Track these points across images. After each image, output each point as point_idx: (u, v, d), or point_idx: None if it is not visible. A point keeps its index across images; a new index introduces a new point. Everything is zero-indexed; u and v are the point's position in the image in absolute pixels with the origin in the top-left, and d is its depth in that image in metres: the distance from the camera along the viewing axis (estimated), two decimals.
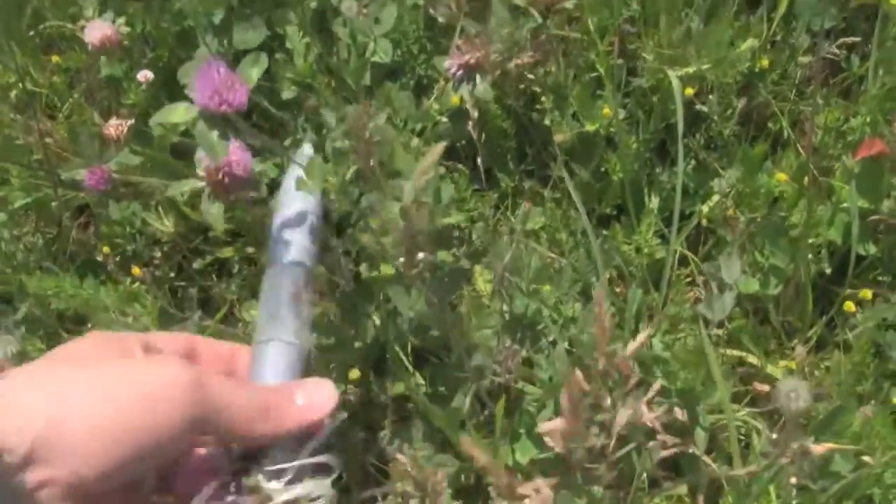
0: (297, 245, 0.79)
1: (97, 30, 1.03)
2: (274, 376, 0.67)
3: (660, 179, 1.15)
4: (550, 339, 0.94)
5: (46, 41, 1.50)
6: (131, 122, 1.00)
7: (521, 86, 1.15)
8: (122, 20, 1.38)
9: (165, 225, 1.27)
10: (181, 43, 1.32)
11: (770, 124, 1.20)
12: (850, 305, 1.00)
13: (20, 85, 1.39)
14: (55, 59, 1.40)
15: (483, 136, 1.14)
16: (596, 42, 1.09)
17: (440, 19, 0.97)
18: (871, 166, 1.05)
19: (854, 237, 1.04)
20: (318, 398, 0.62)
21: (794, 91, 1.19)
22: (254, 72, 0.97)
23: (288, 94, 1.20)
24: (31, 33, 1.46)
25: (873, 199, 1.06)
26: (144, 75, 1.10)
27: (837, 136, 1.16)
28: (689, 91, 1.05)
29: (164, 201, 1.27)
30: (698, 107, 1.09)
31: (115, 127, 0.98)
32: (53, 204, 1.32)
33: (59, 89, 1.43)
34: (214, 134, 0.75)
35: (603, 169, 1.15)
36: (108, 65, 1.22)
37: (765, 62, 1.14)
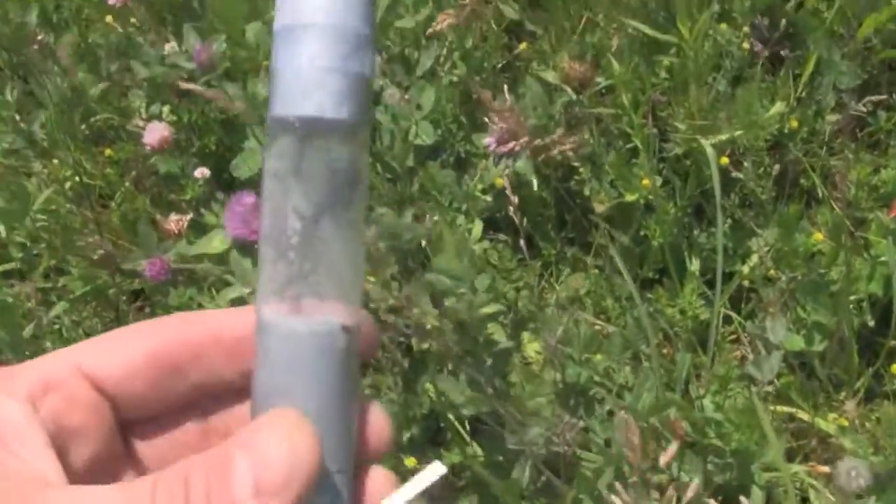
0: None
1: (156, 132, 1.08)
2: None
3: (699, 241, 1.18)
4: (605, 407, 0.97)
5: (96, 133, 1.56)
6: (189, 216, 1.05)
7: (559, 157, 1.19)
8: (167, 109, 1.44)
9: (220, 307, 1.31)
10: (227, 131, 1.38)
11: (802, 181, 1.23)
12: (895, 369, 1.02)
13: (76, 178, 1.45)
14: (108, 152, 1.46)
15: (523, 206, 1.18)
16: (630, 115, 1.13)
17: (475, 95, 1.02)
18: None
19: (895, 290, 1.07)
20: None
21: (823, 148, 1.22)
22: None
23: None
24: (83, 126, 1.53)
25: None
26: (202, 172, 1.15)
27: (870, 190, 1.20)
28: (724, 160, 1.08)
29: (216, 282, 1.31)
30: (734, 174, 1.13)
31: (175, 222, 1.03)
32: (111, 291, 1.37)
33: (112, 180, 1.49)
34: (247, 262, 0.80)
35: (643, 234, 1.19)
36: (165, 162, 1.27)
37: (794, 123, 1.18)
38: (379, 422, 0.38)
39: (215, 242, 0.84)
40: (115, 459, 0.38)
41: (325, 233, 0.34)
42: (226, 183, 1.30)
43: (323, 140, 0.34)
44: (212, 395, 0.39)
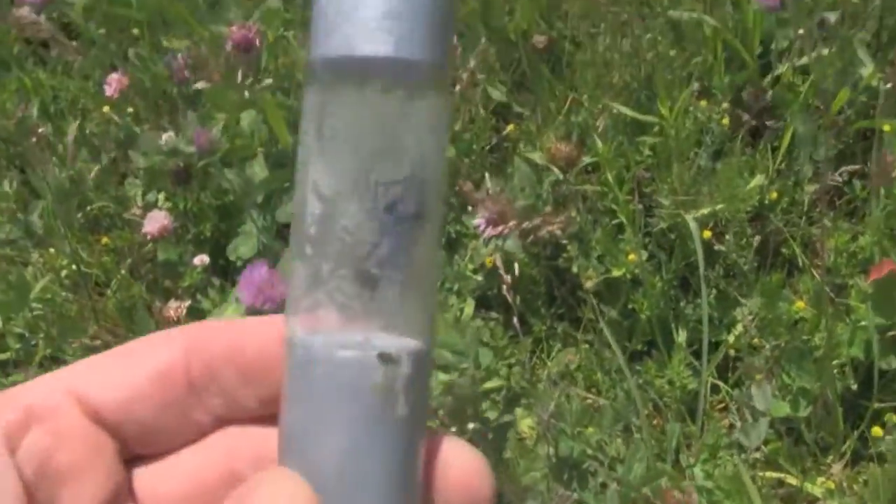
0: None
1: (156, 221, 1.11)
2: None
3: (685, 313, 1.21)
4: (598, 479, 0.99)
5: (92, 222, 1.59)
6: (188, 302, 1.08)
7: (547, 235, 1.22)
8: (162, 196, 1.47)
9: None
10: (223, 217, 1.41)
11: (784, 250, 1.27)
12: (877, 431, 1.05)
13: (73, 266, 1.47)
14: (105, 240, 1.49)
15: (514, 284, 1.21)
16: (615, 192, 1.16)
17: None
18: (884, 286, 1.11)
19: (875, 354, 1.10)
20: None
21: (803, 218, 1.26)
22: None
23: None
24: (79, 214, 1.56)
25: (889, 315, 1.12)
26: (201, 259, 1.18)
27: (848, 257, 1.23)
28: (707, 234, 1.12)
29: None
30: (717, 246, 1.16)
31: (175, 309, 1.06)
32: None
33: (108, 268, 1.52)
34: None
35: (631, 307, 1.22)
36: (164, 250, 1.30)
37: (774, 194, 1.21)
38: (465, 471, 0.28)
39: (229, 311, 0.87)
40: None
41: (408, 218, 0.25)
42: (221, 269, 1.33)
43: (402, 93, 0.25)
44: (233, 425, 0.31)
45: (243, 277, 0.90)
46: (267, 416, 0.30)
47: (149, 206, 1.34)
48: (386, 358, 0.25)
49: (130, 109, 1.58)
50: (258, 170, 1.23)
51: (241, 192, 1.22)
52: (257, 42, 1.14)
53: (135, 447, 0.30)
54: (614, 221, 1.20)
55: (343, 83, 0.25)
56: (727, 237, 1.15)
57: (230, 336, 0.30)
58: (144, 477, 0.31)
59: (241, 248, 1.24)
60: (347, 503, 0.25)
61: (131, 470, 0.31)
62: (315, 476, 0.26)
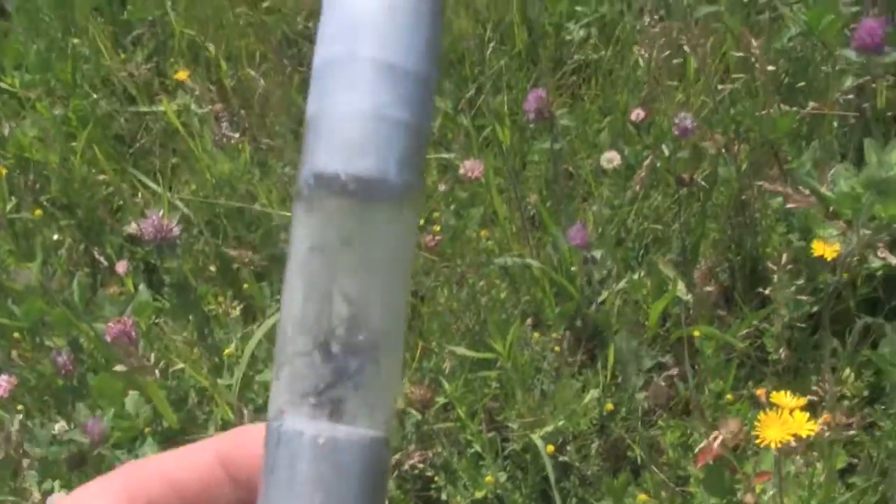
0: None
1: None
2: None
3: None
4: None
5: None
6: None
7: (414, 470, 1.36)
8: (58, 483, 1.56)
9: None
10: None
11: (630, 452, 1.42)
12: None
13: None
14: None
15: None
16: (468, 425, 1.32)
17: None
18: (711, 469, 1.27)
19: None
20: None
21: (639, 422, 1.42)
22: None
23: None
24: None
25: (721, 494, 1.27)
26: None
27: (685, 450, 1.39)
28: (550, 448, 1.27)
29: None
30: (561, 458, 1.31)
31: None
32: None
33: None
34: None
35: None
36: None
37: (609, 406, 1.38)
38: None
39: None
40: None
41: (374, 323, 0.27)
42: None
43: (382, 208, 0.26)
44: None
45: None
46: None
47: (46, 493, 1.42)
48: (388, 443, 0.27)
49: (20, 407, 1.68)
50: (148, 450, 1.35)
51: None
52: (133, 333, 1.28)
53: None
54: (471, 451, 1.35)
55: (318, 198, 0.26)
56: (568, 448, 1.30)
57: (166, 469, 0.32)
58: None
59: None
60: None
61: None
62: None
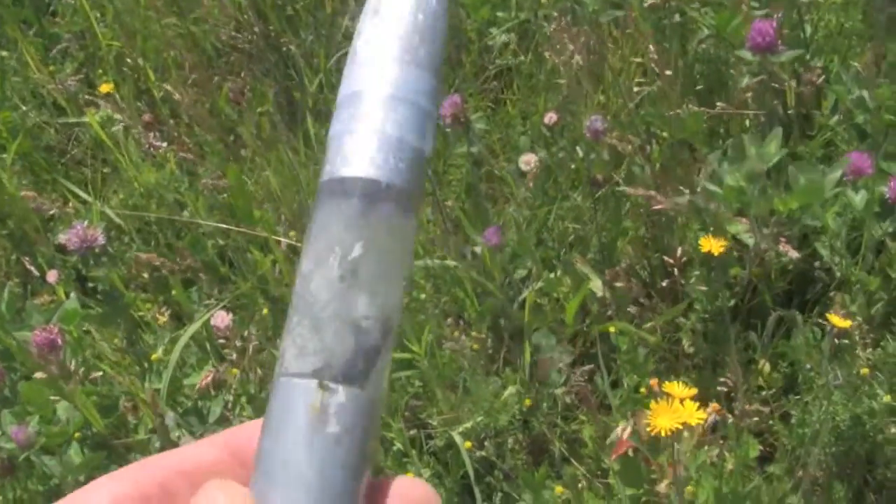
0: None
1: None
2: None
3: None
4: None
5: None
6: None
7: None
8: None
9: None
10: (48, 500, 1.51)
11: (551, 446, 1.46)
12: None
13: None
14: None
15: None
16: (391, 423, 1.35)
17: None
18: (627, 461, 1.31)
19: None
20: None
21: (559, 416, 1.46)
22: None
23: None
24: None
25: (637, 485, 1.31)
26: None
27: (602, 443, 1.43)
28: (468, 445, 1.30)
29: None
30: (478, 453, 1.35)
31: None
32: None
33: None
34: None
35: None
36: None
37: (528, 401, 1.42)
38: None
39: None
40: None
41: (382, 306, 0.32)
42: None
43: (391, 207, 0.33)
44: None
45: None
46: None
47: None
48: (324, 386, 0.31)
49: None
50: (74, 456, 1.36)
51: (61, 478, 1.35)
52: (59, 341, 1.30)
53: None
54: (395, 448, 1.38)
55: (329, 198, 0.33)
56: (486, 444, 1.34)
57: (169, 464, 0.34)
58: None
59: None
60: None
61: None
62: (263, 482, 0.31)
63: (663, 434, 1.02)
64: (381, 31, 0.34)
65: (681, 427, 1.02)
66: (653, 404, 1.05)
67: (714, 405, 1.19)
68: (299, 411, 0.31)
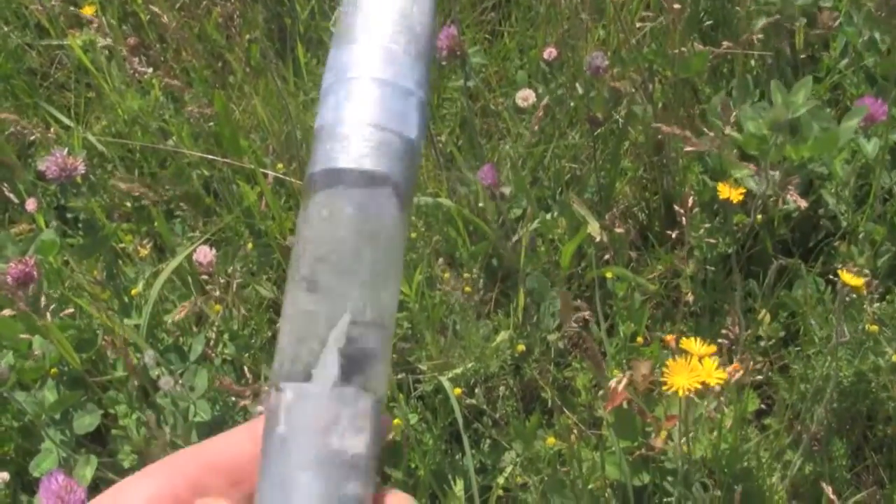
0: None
1: None
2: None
3: (462, 464, 1.34)
4: None
5: None
6: None
7: None
8: None
9: None
10: (25, 436, 1.47)
11: (544, 394, 1.42)
12: None
13: None
14: None
15: None
16: None
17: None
18: (622, 412, 1.27)
19: (626, 474, 1.25)
20: None
21: (552, 364, 1.42)
22: (87, 471, 1.14)
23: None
24: None
25: (631, 437, 1.27)
26: (2, 477, 1.24)
27: (597, 393, 1.39)
28: (457, 391, 1.26)
29: None
30: (468, 401, 1.30)
31: None
32: None
33: None
34: None
35: (414, 465, 1.34)
36: None
37: (520, 347, 1.37)
38: None
39: None
40: None
41: (383, 300, 0.33)
42: (27, 483, 1.39)
43: (384, 200, 0.33)
44: None
45: (42, 487, 0.98)
46: None
47: None
48: (274, 385, 0.32)
49: None
50: (48, 394, 1.32)
51: (35, 416, 1.30)
52: (35, 274, 1.24)
53: None
54: None
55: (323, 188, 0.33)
56: (476, 391, 1.30)
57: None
58: None
59: (43, 464, 1.31)
60: None
61: None
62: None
63: (681, 394, 0.97)
64: (367, 15, 0.33)
65: (700, 387, 0.97)
66: (670, 362, 1.00)
67: (736, 360, 1.14)
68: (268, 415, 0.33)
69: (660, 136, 1.49)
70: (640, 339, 1.38)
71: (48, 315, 1.20)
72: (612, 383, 1.11)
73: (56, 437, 1.34)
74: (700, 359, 1.02)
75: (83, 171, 1.44)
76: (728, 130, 1.24)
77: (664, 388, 1.02)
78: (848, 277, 1.09)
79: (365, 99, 0.32)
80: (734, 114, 1.24)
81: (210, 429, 1.36)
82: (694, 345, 1.04)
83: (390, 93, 0.33)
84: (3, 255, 1.39)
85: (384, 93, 0.33)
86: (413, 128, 0.33)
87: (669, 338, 1.16)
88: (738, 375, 1.25)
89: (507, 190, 1.34)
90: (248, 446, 0.35)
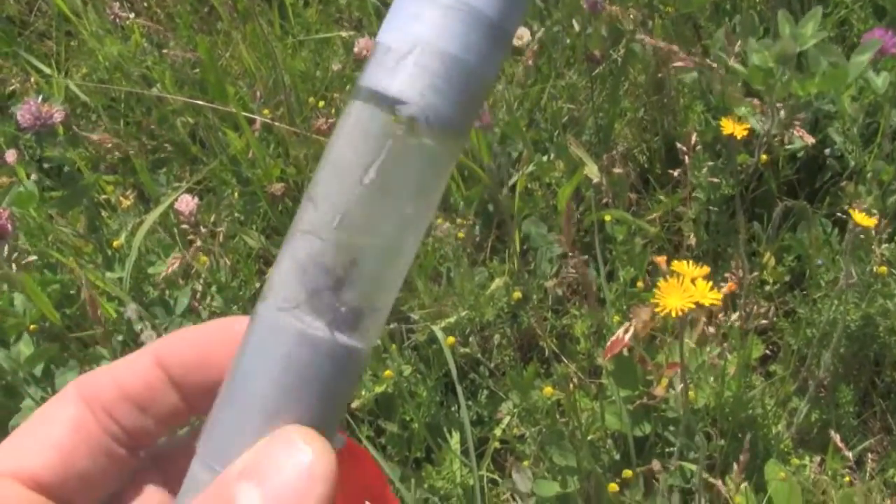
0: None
1: None
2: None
3: (457, 416, 1.29)
4: None
5: None
6: None
7: None
8: None
9: None
10: (7, 395, 1.43)
11: (540, 342, 1.38)
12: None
13: None
14: None
15: None
16: None
17: None
18: (622, 361, 1.22)
19: (626, 424, 1.20)
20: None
21: (549, 311, 1.37)
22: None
23: None
24: None
25: (632, 387, 1.23)
26: None
27: (598, 339, 1.34)
28: (451, 340, 1.21)
29: None
30: (462, 350, 1.26)
31: None
32: None
33: None
34: None
35: (408, 418, 1.30)
36: None
37: (517, 294, 1.32)
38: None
39: None
40: None
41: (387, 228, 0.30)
42: None
43: (436, 138, 0.29)
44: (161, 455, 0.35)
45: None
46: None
47: None
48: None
49: None
50: (24, 348, 1.27)
51: (11, 372, 1.26)
52: (10, 227, 1.19)
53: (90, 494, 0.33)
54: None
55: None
56: (471, 339, 1.25)
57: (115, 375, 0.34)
58: None
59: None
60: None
61: None
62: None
63: (674, 315, 0.92)
64: None
65: (693, 307, 0.92)
66: (661, 283, 0.95)
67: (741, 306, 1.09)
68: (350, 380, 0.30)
69: (660, 75, 1.43)
70: (640, 285, 1.33)
71: (22, 269, 1.15)
72: (619, 333, 1.06)
73: (37, 395, 1.30)
74: (693, 280, 0.97)
75: (60, 120, 1.39)
76: (732, 62, 1.18)
77: (657, 309, 0.96)
78: (860, 217, 1.04)
79: (439, 21, 0.29)
80: (738, 45, 1.18)
81: None
82: (685, 267, 0.98)
83: (467, 19, 0.29)
84: None
85: (460, 17, 0.29)
86: (490, 63, 0.30)
87: (660, 259, 1.11)
88: (745, 320, 1.20)
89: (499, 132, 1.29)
90: (155, 372, 0.34)
